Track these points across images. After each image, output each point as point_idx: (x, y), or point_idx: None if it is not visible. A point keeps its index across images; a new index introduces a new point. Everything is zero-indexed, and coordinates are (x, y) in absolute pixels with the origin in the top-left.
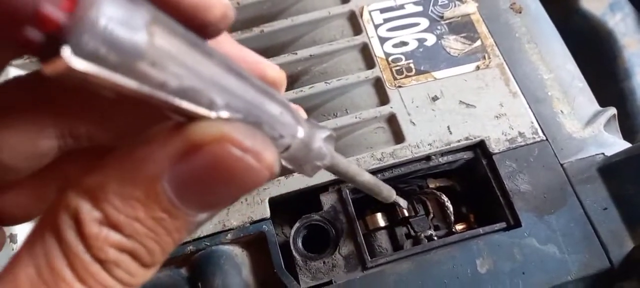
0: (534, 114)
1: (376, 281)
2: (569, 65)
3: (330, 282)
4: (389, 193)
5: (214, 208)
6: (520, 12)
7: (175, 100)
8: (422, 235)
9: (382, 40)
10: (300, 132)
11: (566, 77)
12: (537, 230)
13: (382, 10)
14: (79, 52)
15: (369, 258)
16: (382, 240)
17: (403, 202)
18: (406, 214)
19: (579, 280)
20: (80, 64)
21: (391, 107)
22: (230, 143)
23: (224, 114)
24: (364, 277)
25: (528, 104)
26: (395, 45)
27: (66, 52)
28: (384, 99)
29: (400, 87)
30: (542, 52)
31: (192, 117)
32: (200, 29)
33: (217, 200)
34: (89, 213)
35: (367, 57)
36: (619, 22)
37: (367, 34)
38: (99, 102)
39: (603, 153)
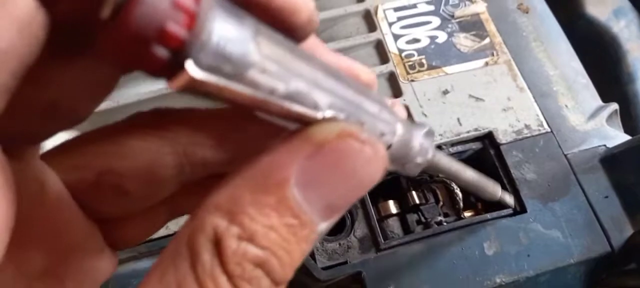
0: (539, 108)
1: (388, 261)
2: (574, 63)
3: (345, 262)
4: (495, 189)
5: (335, 212)
6: (527, 12)
7: (285, 103)
8: (432, 221)
9: (396, 37)
10: (400, 129)
11: (570, 74)
12: (541, 216)
13: (396, 9)
14: (199, 65)
15: (382, 240)
16: (394, 226)
17: (510, 199)
18: (511, 205)
19: (581, 263)
20: (202, 75)
21: (404, 100)
22: (349, 137)
23: (329, 113)
24: (377, 258)
25: (534, 98)
26: (408, 42)
27: (190, 65)
28: (397, 92)
29: (413, 81)
30: (548, 50)
31: (302, 121)
32: (287, 33)
33: (339, 201)
34: (227, 229)
35: (382, 53)
36: (623, 28)
37: (381, 31)
38: (214, 125)
39: (605, 145)
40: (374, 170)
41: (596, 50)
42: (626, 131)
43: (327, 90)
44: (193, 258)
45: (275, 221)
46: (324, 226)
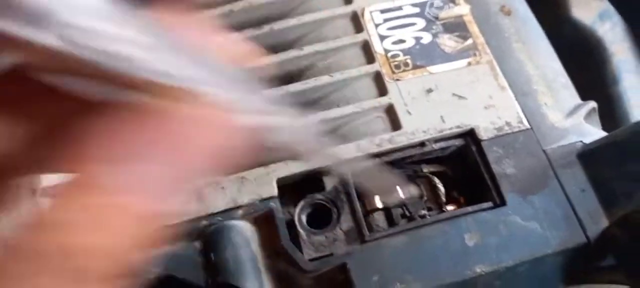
0: (520, 106)
1: (373, 253)
2: (554, 63)
3: (331, 254)
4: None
5: (176, 185)
6: (509, 14)
7: (105, 65)
8: (416, 215)
9: (382, 38)
10: (265, 109)
11: (550, 74)
12: (521, 208)
13: (382, 11)
14: None
15: (367, 232)
16: (380, 219)
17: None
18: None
19: (558, 253)
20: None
21: (389, 98)
22: (178, 101)
23: (163, 80)
24: (362, 249)
25: (515, 96)
26: (394, 43)
27: None
28: (383, 91)
29: (398, 80)
30: (529, 50)
31: (127, 87)
32: None
33: (174, 174)
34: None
35: (368, 53)
36: (607, 31)
37: (368, 32)
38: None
39: (582, 141)
40: (210, 140)
41: (582, 53)
42: (611, 131)
43: (161, 58)
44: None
45: (88, 202)
46: (169, 203)
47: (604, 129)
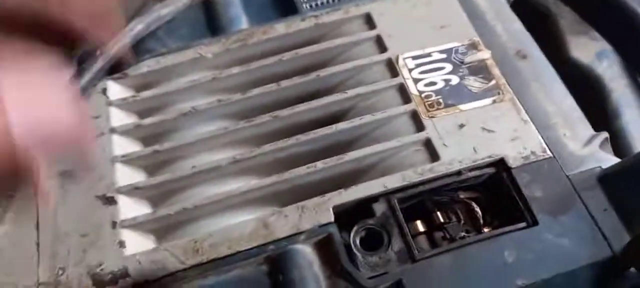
0: (542, 137)
1: (425, 270)
2: (568, 100)
3: (386, 273)
4: None
5: None
6: (525, 58)
7: None
8: (457, 237)
9: (416, 81)
10: None
11: (566, 108)
12: (551, 227)
13: (414, 57)
14: None
15: (416, 253)
16: (423, 243)
17: None
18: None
19: (588, 266)
20: None
21: (427, 133)
22: None
23: None
24: (413, 268)
25: (537, 129)
26: (426, 85)
27: None
28: (420, 127)
29: (432, 117)
30: (546, 89)
31: None
32: None
33: None
34: None
35: (404, 95)
36: (606, 69)
37: (403, 76)
38: None
39: (600, 167)
40: None
41: (583, 90)
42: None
43: None
44: None
45: None
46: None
47: None
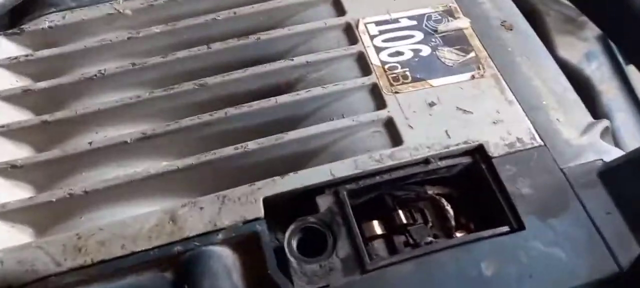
0: (530, 121)
1: (376, 285)
2: (561, 79)
3: (327, 286)
4: None
5: None
6: (511, 30)
7: None
8: (422, 243)
9: (378, 50)
10: None
11: (559, 89)
12: (541, 233)
13: (378, 23)
14: None
15: (368, 261)
16: (379, 248)
17: None
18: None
19: (589, 284)
20: None
21: (388, 111)
22: None
23: None
24: (363, 280)
25: (524, 111)
26: (391, 55)
27: None
28: (380, 104)
29: (397, 93)
30: (535, 65)
31: None
32: None
33: None
34: None
35: (363, 65)
36: (594, 70)
37: (363, 43)
38: None
39: (602, 159)
40: None
41: None
42: None
43: None
44: None
45: None
46: None
47: None
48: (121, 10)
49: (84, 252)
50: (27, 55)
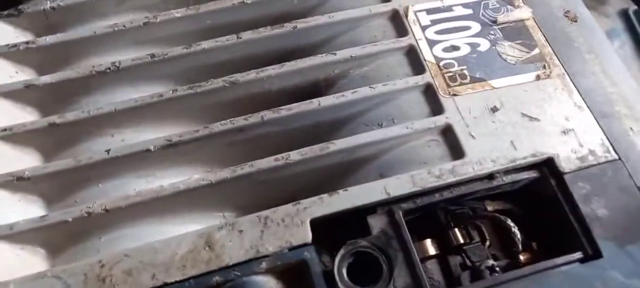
0: (602, 130)
1: None
2: (631, 81)
3: None
4: None
5: None
6: (575, 21)
7: None
8: (482, 265)
9: (431, 44)
10: None
11: (630, 93)
12: (619, 262)
13: (429, 11)
14: None
15: None
16: (433, 270)
17: None
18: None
19: None
20: None
21: (446, 117)
22: None
23: None
24: None
25: (595, 118)
26: (445, 50)
27: None
28: (437, 109)
29: (455, 95)
30: (603, 64)
31: None
32: None
33: None
34: None
35: (415, 61)
36: (617, 49)
37: (414, 35)
38: None
39: None
40: None
41: None
42: None
43: None
44: None
45: None
46: None
47: None
48: None
49: (108, 284)
50: (27, 43)
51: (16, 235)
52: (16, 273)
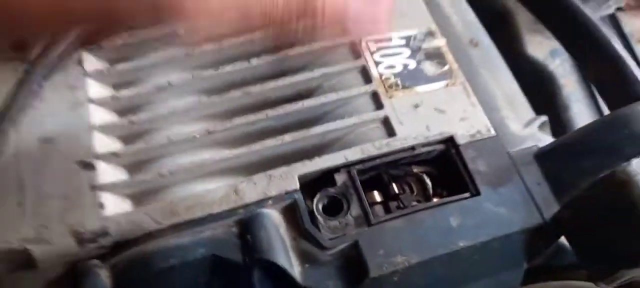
0: (487, 118)
1: (379, 233)
2: (513, 85)
3: (344, 235)
4: None
5: None
6: (476, 46)
7: None
8: (409, 206)
9: (377, 64)
10: None
11: (510, 93)
12: (492, 197)
13: (376, 41)
14: None
15: (372, 218)
16: (379, 211)
17: None
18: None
19: (522, 232)
20: None
21: (385, 112)
22: None
23: None
24: (369, 231)
25: (484, 111)
26: (386, 68)
27: None
28: (379, 106)
29: (391, 97)
30: (493, 75)
31: None
32: None
33: None
34: None
35: (366, 76)
36: (558, 66)
37: (365, 58)
38: None
39: (537, 145)
40: None
41: (536, 85)
42: None
43: None
44: None
45: None
46: None
47: None
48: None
49: (176, 214)
50: (109, 68)
51: (115, 188)
52: (118, 212)
